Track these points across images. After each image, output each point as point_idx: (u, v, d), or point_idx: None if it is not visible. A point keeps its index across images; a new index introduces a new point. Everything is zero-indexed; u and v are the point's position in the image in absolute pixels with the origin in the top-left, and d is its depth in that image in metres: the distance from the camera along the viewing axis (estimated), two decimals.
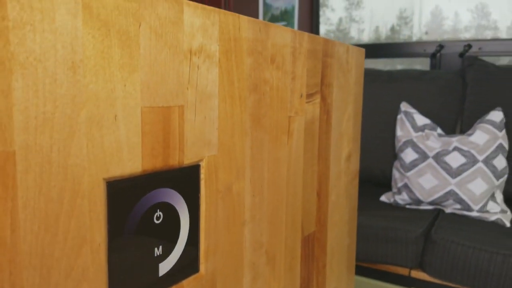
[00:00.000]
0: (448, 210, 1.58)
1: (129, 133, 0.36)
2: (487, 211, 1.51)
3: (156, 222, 0.39)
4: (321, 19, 2.21)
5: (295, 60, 0.58)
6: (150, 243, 0.39)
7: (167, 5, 0.38)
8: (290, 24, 1.92)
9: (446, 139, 1.62)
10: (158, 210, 0.39)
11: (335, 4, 2.28)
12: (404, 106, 1.75)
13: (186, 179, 0.42)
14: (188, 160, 0.42)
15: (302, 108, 0.62)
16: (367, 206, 1.64)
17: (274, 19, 1.78)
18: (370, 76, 1.91)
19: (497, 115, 1.60)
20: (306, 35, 0.60)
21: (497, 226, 1.44)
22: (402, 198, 1.64)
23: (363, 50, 0.79)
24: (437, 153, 1.59)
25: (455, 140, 1.59)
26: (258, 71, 0.51)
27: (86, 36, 0.32)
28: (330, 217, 0.72)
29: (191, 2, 0.40)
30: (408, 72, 1.85)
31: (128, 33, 0.35)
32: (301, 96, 0.61)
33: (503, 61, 1.92)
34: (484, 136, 1.56)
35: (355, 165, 0.80)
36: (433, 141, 1.64)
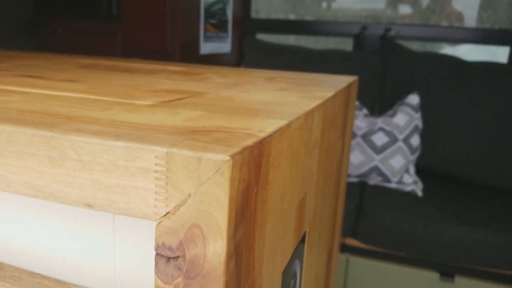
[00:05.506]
0: (371, 182, 1.82)
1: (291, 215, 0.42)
2: (403, 183, 1.77)
3: None
4: None
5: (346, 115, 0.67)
6: None
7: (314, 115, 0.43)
8: (227, 4, 1.94)
9: (372, 119, 1.82)
10: None
11: None
12: None
13: (302, 244, 0.50)
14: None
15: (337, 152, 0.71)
16: None
17: (213, 4, 1.79)
18: (303, 55, 2.02)
19: (414, 99, 1.84)
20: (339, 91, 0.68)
21: (412, 196, 1.71)
22: None
23: (357, 78, 0.89)
24: (365, 133, 1.79)
25: (379, 121, 1.80)
26: (327, 136, 0.59)
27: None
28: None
29: (318, 103, 0.46)
30: (338, 52, 1.99)
31: (298, 152, 0.40)
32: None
33: (417, 45, 2.16)
34: (404, 117, 1.79)
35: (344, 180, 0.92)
36: (360, 121, 1.83)
